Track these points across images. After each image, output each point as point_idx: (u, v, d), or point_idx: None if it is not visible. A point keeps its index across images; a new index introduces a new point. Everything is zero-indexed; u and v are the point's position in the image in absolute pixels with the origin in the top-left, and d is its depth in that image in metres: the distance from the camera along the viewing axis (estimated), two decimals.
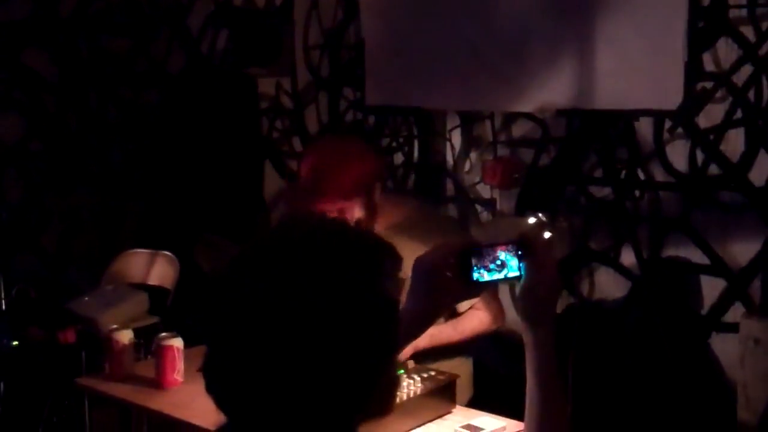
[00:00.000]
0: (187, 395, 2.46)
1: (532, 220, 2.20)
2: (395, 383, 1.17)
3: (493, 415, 2.35)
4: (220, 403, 1.10)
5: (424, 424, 2.28)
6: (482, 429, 2.23)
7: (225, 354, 1.07)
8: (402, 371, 2.36)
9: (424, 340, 2.61)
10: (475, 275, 1.35)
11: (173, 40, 4.92)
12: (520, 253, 1.36)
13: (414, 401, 2.24)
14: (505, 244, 1.37)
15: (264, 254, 1.10)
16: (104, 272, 3.78)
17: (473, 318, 2.74)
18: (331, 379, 1.05)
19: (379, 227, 2.67)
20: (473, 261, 1.36)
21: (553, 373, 1.41)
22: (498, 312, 2.79)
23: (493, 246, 1.37)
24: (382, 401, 1.16)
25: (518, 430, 2.22)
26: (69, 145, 4.57)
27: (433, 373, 2.37)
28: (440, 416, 2.33)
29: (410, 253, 2.51)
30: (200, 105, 4.76)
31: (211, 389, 1.10)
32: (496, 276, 1.36)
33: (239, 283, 1.08)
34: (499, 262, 1.36)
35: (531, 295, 1.37)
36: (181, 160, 4.74)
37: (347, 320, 1.06)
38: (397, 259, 1.15)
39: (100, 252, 4.40)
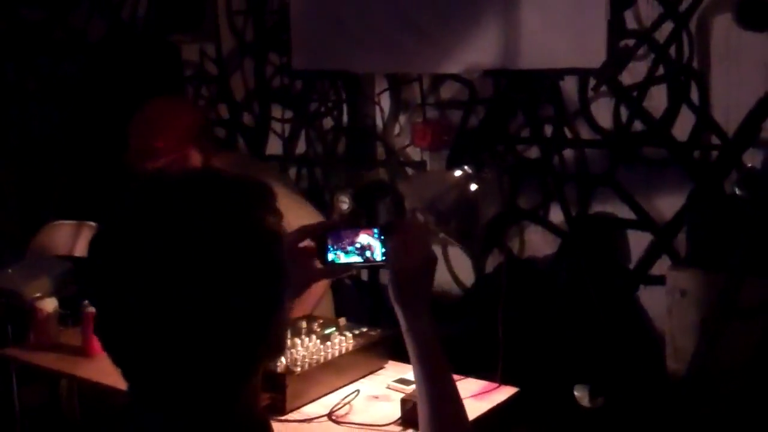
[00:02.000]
0: None
1: (458, 173, 2.20)
2: (287, 318, 1.15)
3: None
4: (119, 362, 1.08)
5: (357, 380, 2.28)
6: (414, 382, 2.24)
7: (115, 310, 1.05)
8: (334, 329, 2.36)
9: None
10: (330, 256, 1.35)
11: (93, 8, 4.80)
12: (382, 238, 1.35)
13: (346, 357, 2.25)
14: (369, 228, 1.37)
15: (140, 203, 1.08)
16: (29, 245, 3.68)
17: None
18: (226, 318, 1.04)
19: None
20: (330, 242, 1.36)
21: (440, 365, 1.40)
22: None
23: (355, 230, 1.36)
24: (278, 337, 1.15)
25: None
26: None
27: (365, 329, 2.37)
28: (373, 372, 2.34)
29: None
30: (122, 73, 4.65)
31: (108, 348, 1.08)
32: (354, 259, 1.35)
33: (119, 237, 1.06)
34: (359, 246, 1.36)
35: (397, 281, 1.37)
36: (104, 130, 4.63)
37: (233, 255, 1.04)
38: (272, 194, 1.14)
39: (23, 225, 4.29)
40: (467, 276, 4.12)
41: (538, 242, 3.88)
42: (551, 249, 3.85)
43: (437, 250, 4.16)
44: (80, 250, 3.67)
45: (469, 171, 2.18)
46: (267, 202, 1.13)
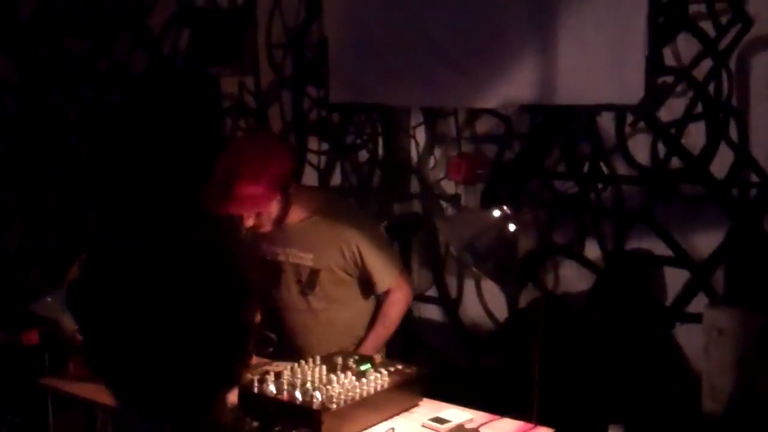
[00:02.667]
0: None
1: (496, 213, 2.20)
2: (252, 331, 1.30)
3: (460, 407, 2.35)
4: (108, 382, 1.23)
5: (391, 417, 2.28)
6: (450, 421, 2.24)
7: (104, 339, 1.22)
8: (369, 366, 2.36)
9: (371, 352, 2.80)
10: None
11: (135, 41, 4.88)
12: None
13: (381, 395, 2.24)
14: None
15: (124, 247, 1.27)
16: (66, 273, 3.73)
17: (391, 306, 2.94)
18: (199, 337, 1.21)
19: (297, 218, 2.77)
20: None
21: None
22: (407, 289, 3.00)
23: None
24: (246, 349, 1.30)
25: (485, 421, 2.23)
26: (30, 146, 4.52)
27: (400, 367, 2.37)
28: (407, 410, 2.34)
29: (329, 232, 2.65)
30: (163, 105, 4.72)
31: (98, 371, 1.24)
32: None
33: (117, 283, 1.22)
34: None
35: None
36: (144, 161, 4.69)
37: (204, 283, 1.22)
38: (236, 228, 1.31)
39: (62, 253, 4.34)
40: (500, 310, 4.10)
41: (573, 278, 3.86)
42: (586, 285, 3.83)
43: (469, 283, 4.16)
44: None
45: (508, 211, 2.18)
46: (231, 235, 1.32)
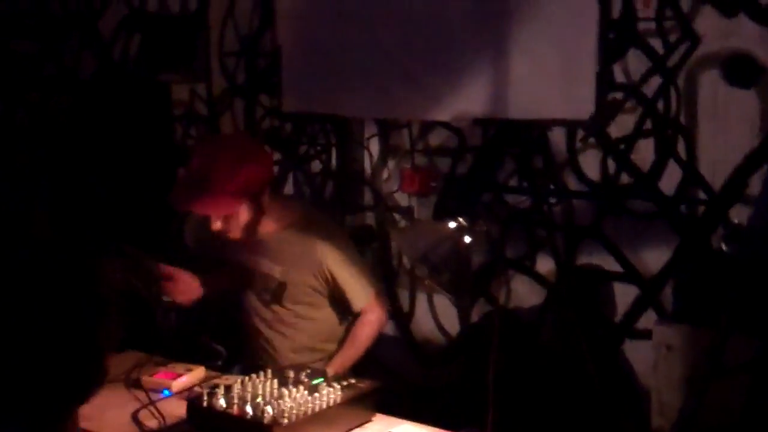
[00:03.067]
0: (98, 406, 2.36)
1: (451, 225, 2.20)
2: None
3: (414, 423, 2.34)
4: None
5: None
6: None
7: None
8: (322, 380, 2.33)
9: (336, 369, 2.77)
10: None
11: (84, 45, 4.80)
12: None
13: (334, 410, 2.22)
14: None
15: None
16: None
17: (364, 327, 2.90)
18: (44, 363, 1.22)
19: (269, 228, 2.73)
20: None
21: None
22: (380, 313, 2.96)
23: None
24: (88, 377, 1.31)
25: None
26: None
27: (353, 381, 2.35)
28: (360, 425, 2.31)
29: (300, 249, 2.62)
30: (112, 111, 4.64)
31: None
32: None
33: None
34: None
35: None
36: (92, 167, 4.61)
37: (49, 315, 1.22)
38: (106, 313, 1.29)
39: None
40: (452, 324, 4.10)
41: (525, 292, 3.88)
42: (537, 299, 3.84)
43: (422, 297, 4.15)
44: None
45: (464, 223, 2.17)
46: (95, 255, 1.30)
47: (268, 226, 2.81)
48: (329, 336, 2.98)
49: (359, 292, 2.86)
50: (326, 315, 2.93)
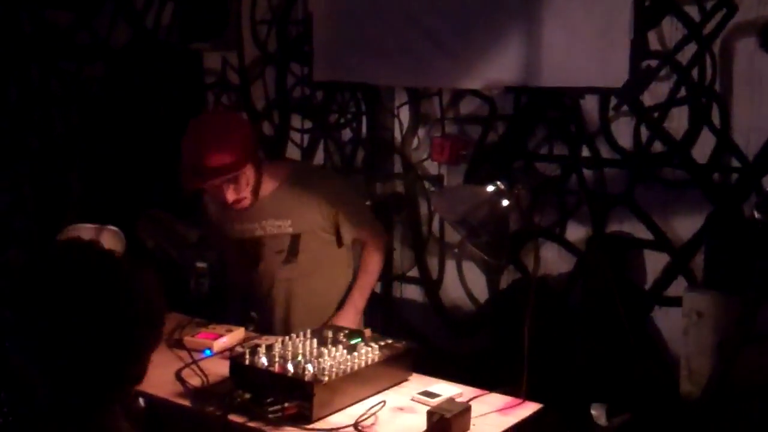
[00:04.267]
0: None
1: (490, 189, 2.22)
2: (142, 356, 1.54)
3: (450, 382, 2.37)
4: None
5: (382, 391, 2.29)
6: (439, 395, 2.26)
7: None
8: (360, 339, 2.37)
9: (358, 303, 2.99)
10: None
11: (117, 14, 4.83)
12: None
13: (372, 369, 2.26)
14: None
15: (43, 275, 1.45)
16: None
17: (372, 254, 3.05)
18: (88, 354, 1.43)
19: (265, 190, 2.80)
20: None
21: None
22: (381, 234, 3.15)
23: None
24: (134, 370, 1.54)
25: (474, 395, 2.25)
26: (9, 119, 4.47)
27: (390, 341, 2.39)
28: (397, 383, 2.35)
29: (300, 197, 2.67)
30: (144, 80, 4.68)
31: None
32: None
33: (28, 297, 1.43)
34: None
35: None
36: (125, 135, 4.66)
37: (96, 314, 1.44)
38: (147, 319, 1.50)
39: (41, 228, 4.31)
40: (481, 292, 4.13)
41: (554, 260, 3.89)
42: (567, 267, 3.86)
43: (451, 264, 4.18)
44: None
45: (502, 187, 2.20)
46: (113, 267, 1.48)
47: (266, 188, 2.90)
48: (342, 290, 3.09)
49: (362, 222, 3.04)
50: (340, 262, 3.05)
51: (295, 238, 2.93)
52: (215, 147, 2.72)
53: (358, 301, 2.96)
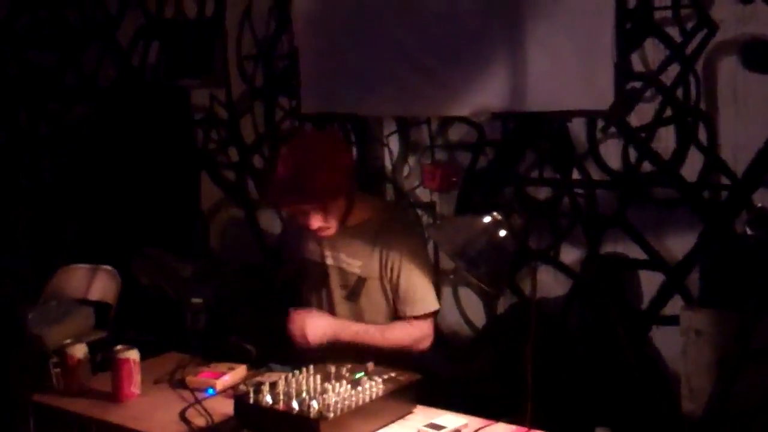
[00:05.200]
0: (146, 407, 2.44)
1: (487, 219, 2.24)
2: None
3: (455, 413, 2.37)
4: None
5: (387, 425, 2.29)
6: (445, 427, 2.26)
7: None
8: (363, 374, 2.37)
9: (347, 334, 2.69)
10: None
11: (103, 54, 4.85)
12: None
13: (376, 403, 2.26)
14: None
15: None
16: (43, 288, 3.69)
17: (402, 329, 2.77)
18: None
19: (351, 221, 2.72)
20: None
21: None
22: (427, 333, 2.82)
23: None
24: None
25: (480, 426, 2.26)
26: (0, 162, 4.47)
27: (393, 375, 2.39)
28: (402, 416, 2.35)
29: (375, 243, 2.57)
30: (133, 118, 4.69)
31: None
32: None
33: None
34: None
35: None
36: (116, 174, 4.66)
37: None
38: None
39: (34, 270, 4.29)
40: (478, 317, 4.13)
41: (550, 283, 3.90)
42: (562, 290, 3.87)
43: (447, 290, 4.19)
44: (95, 293, 3.69)
45: (499, 217, 2.21)
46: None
47: (352, 220, 2.78)
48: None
49: (417, 302, 2.76)
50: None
51: (361, 281, 2.78)
52: (320, 167, 2.59)
53: (345, 333, 2.68)
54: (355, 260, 2.79)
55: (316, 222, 2.68)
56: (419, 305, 2.76)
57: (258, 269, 4.12)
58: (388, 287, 2.77)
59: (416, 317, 2.77)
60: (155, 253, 4.47)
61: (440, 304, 4.09)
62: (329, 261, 2.81)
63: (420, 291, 2.76)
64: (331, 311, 2.83)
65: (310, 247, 2.87)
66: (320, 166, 2.62)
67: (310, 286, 2.89)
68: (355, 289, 2.80)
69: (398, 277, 2.74)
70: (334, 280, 2.83)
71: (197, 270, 3.30)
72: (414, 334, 2.77)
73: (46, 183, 4.66)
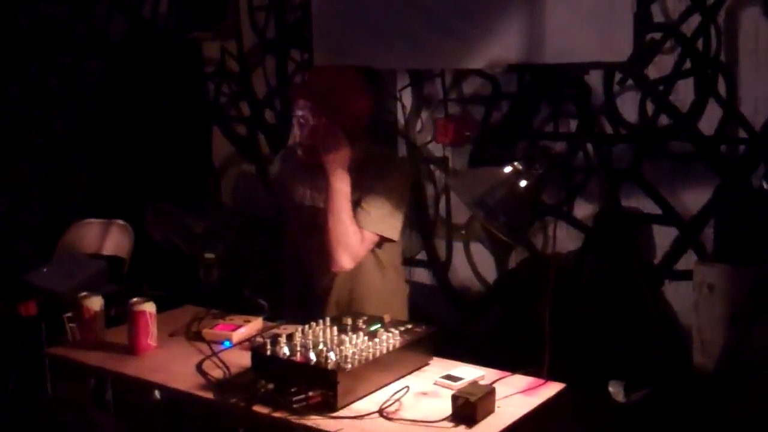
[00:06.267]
0: (162, 359, 2.44)
1: (507, 169, 2.21)
2: None
3: (471, 365, 2.37)
4: None
5: (404, 376, 2.29)
6: (462, 378, 2.26)
7: None
8: (380, 326, 2.37)
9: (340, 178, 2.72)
10: None
11: (114, 6, 4.80)
12: None
13: (393, 354, 2.25)
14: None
15: None
16: (57, 243, 3.70)
17: (353, 225, 2.74)
18: None
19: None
20: None
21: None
22: (359, 252, 2.78)
23: None
24: None
25: (497, 378, 2.26)
26: (10, 117, 4.45)
27: (410, 326, 2.38)
28: (419, 368, 2.35)
29: (364, 186, 2.48)
30: (144, 71, 4.66)
31: None
32: None
33: None
34: None
35: None
36: (127, 128, 4.64)
37: None
38: None
39: (46, 224, 4.30)
40: (489, 272, 4.13)
41: (562, 238, 3.89)
42: (575, 245, 3.86)
43: (458, 246, 4.18)
44: (109, 248, 3.69)
45: (519, 167, 2.19)
46: None
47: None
48: (388, 289, 2.93)
49: (372, 219, 2.76)
50: (391, 252, 2.89)
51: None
52: (333, 77, 2.74)
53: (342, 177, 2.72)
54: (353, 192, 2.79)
55: (310, 138, 2.74)
56: (371, 223, 2.75)
57: (270, 223, 4.12)
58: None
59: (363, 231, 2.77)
60: (167, 209, 4.46)
61: (450, 257, 4.14)
62: (319, 204, 2.82)
63: (378, 212, 2.76)
64: (321, 253, 2.82)
65: (300, 192, 2.89)
66: (349, 92, 2.75)
67: (302, 229, 2.90)
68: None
69: (365, 199, 2.76)
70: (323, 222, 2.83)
71: (209, 225, 3.29)
72: (352, 240, 2.74)
73: (57, 137, 4.64)
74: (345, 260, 2.74)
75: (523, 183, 2.17)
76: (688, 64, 3.46)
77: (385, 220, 2.77)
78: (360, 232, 2.74)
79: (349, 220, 2.72)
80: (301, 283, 2.96)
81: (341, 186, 2.72)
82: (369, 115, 2.87)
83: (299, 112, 2.76)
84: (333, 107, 2.72)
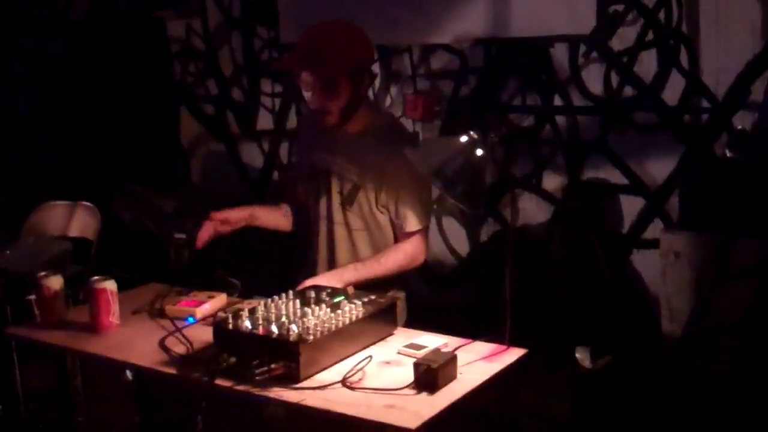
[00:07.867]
0: (125, 337, 2.43)
1: (463, 139, 2.22)
2: None
3: (434, 334, 2.38)
4: None
5: (367, 346, 2.30)
6: (425, 346, 2.26)
7: None
8: (343, 297, 2.37)
9: (348, 273, 2.70)
10: None
11: None
12: None
13: (356, 325, 2.25)
14: None
15: None
16: (22, 226, 3.66)
17: (398, 252, 2.78)
18: None
19: (354, 128, 2.71)
20: None
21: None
22: (421, 249, 2.81)
23: None
24: None
25: (459, 345, 2.27)
26: None
27: (373, 297, 2.38)
28: (383, 338, 2.36)
29: (377, 158, 2.49)
30: (108, 52, 4.61)
31: None
32: None
33: None
34: None
35: None
36: (93, 110, 4.60)
37: None
38: None
39: (12, 206, 4.26)
40: (462, 245, 4.14)
41: (532, 210, 3.91)
42: (544, 217, 3.88)
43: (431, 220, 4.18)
44: (75, 229, 3.66)
45: (475, 136, 2.19)
46: None
47: (353, 126, 2.75)
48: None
49: (410, 218, 2.75)
50: (387, 235, 2.84)
51: (356, 188, 2.77)
52: (343, 42, 2.62)
53: (349, 273, 2.69)
54: (353, 167, 2.77)
55: (320, 101, 2.67)
56: (413, 221, 2.75)
57: (240, 203, 4.10)
58: (381, 200, 2.77)
59: (411, 233, 2.77)
60: (136, 189, 4.42)
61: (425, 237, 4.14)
62: (331, 167, 2.80)
63: (414, 207, 2.75)
64: (330, 218, 2.82)
65: (316, 155, 2.86)
66: (344, 41, 2.65)
67: (314, 192, 2.88)
68: (349, 196, 2.78)
69: (394, 194, 2.74)
70: (334, 186, 2.82)
71: (179, 205, 3.26)
72: (409, 250, 2.78)
73: (21, 120, 4.59)
74: (418, 263, 2.82)
75: (479, 152, 2.18)
76: (650, 36, 3.47)
77: (423, 210, 2.79)
78: (408, 236, 2.77)
79: (391, 263, 2.75)
80: (307, 250, 2.95)
81: (359, 274, 2.71)
82: (370, 58, 2.79)
83: (303, 78, 2.69)
84: (333, 55, 2.62)
